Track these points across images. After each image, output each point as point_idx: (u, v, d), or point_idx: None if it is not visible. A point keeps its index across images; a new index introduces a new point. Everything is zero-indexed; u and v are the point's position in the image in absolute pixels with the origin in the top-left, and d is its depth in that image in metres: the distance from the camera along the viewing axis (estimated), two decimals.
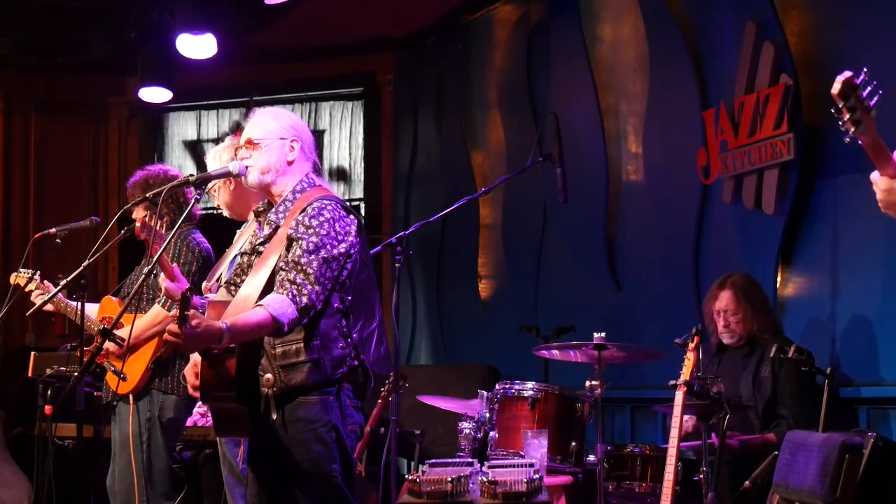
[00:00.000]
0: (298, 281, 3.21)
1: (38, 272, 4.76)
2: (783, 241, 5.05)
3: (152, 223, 3.89)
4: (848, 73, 2.54)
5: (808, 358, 4.47)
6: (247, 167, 3.45)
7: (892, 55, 4.53)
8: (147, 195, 3.86)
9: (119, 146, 8.99)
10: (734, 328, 4.79)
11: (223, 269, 4.13)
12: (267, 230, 3.44)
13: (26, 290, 4.71)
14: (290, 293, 3.19)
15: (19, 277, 4.75)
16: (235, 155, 3.72)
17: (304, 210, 3.34)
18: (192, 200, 3.53)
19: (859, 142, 2.61)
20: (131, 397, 4.45)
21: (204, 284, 4.14)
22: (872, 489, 3.71)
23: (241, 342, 3.21)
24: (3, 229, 8.57)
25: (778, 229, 5.05)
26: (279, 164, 3.45)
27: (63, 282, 4.23)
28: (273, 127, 3.48)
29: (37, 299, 4.61)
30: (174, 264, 3.94)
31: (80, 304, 4.38)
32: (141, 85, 7.76)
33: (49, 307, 4.70)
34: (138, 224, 4.06)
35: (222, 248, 4.35)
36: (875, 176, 2.72)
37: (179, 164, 9.04)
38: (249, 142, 3.47)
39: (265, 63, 8.62)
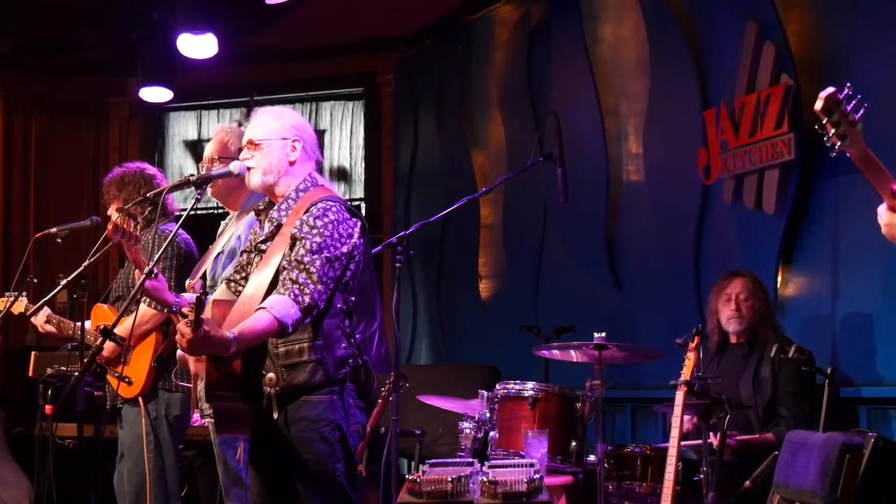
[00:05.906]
0: (301, 280, 3.21)
1: (25, 293, 4.76)
2: (784, 240, 5.05)
3: (125, 225, 3.88)
4: (830, 89, 2.53)
5: (809, 358, 4.48)
6: (248, 168, 3.44)
7: (892, 55, 4.53)
8: (147, 195, 3.85)
9: (119, 146, 8.98)
10: (745, 314, 4.80)
11: (207, 266, 4.12)
12: (269, 227, 3.43)
13: (15, 312, 4.71)
14: (291, 293, 3.19)
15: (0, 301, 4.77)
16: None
17: (308, 210, 3.33)
18: (193, 200, 3.52)
19: (847, 154, 2.60)
20: (141, 400, 4.45)
21: (188, 282, 4.13)
22: (873, 489, 3.71)
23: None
24: (3, 229, 8.56)
25: (778, 229, 5.05)
26: (281, 165, 3.44)
27: (63, 281, 4.23)
28: (274, 127, 3.47)
29: (37, 320, 4.65)
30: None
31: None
32: (141, 85, 7.75)
33: (51, 328, 4.70)
34: (110, 227, 4.04)
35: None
36: (881, 209, 2.72)
37: (180, 164, 9.03)
38: (251, 143, 3.46)
39: (265, 63, 8.62)
